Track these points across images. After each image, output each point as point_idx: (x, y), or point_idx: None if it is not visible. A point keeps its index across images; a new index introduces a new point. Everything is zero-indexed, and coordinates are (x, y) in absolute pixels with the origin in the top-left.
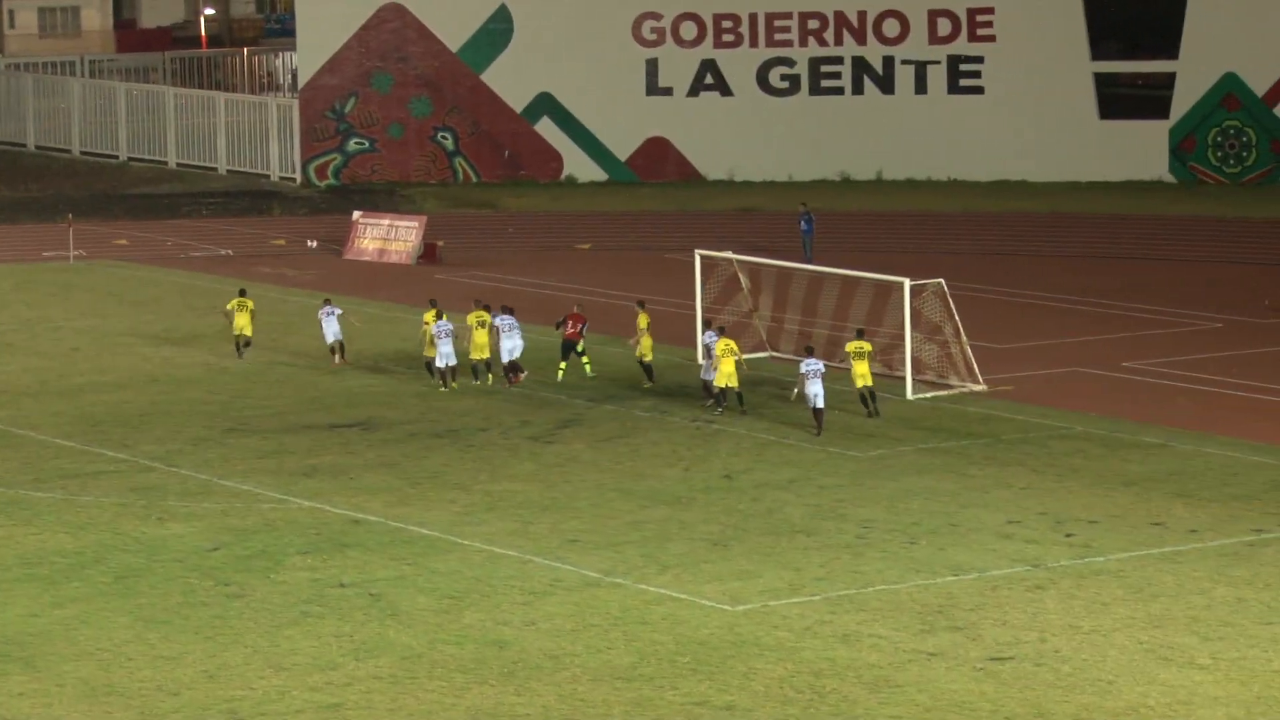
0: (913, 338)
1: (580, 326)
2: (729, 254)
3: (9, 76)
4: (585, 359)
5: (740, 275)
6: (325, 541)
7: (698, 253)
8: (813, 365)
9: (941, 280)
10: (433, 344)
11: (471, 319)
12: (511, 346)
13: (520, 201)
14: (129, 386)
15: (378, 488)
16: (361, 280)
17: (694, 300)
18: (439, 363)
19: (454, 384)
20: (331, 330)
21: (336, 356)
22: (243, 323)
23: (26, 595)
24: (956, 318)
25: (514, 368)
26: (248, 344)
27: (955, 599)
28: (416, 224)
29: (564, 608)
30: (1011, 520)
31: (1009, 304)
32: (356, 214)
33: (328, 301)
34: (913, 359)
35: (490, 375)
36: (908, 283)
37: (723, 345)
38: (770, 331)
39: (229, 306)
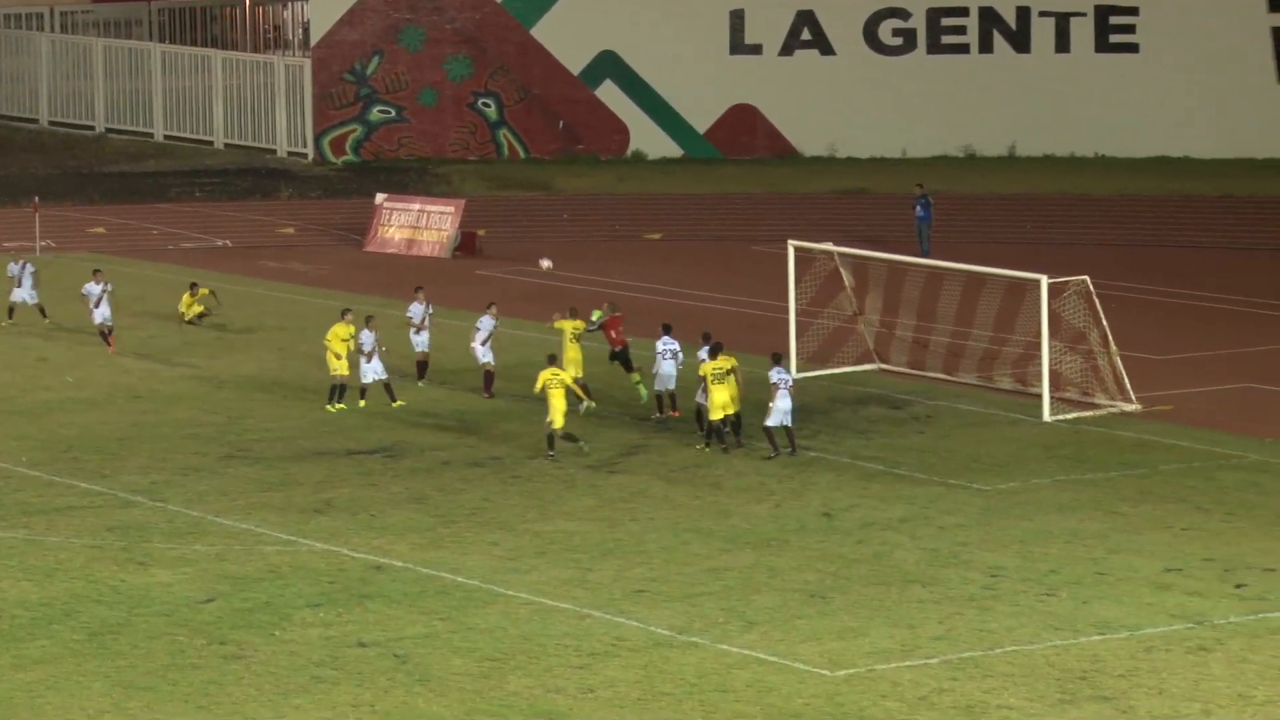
0: (1051, 347)
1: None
2: (829, 246)
3: None
4: (636, 377)
5: (842, 271)
6: (341, 592)
7: (791, 244)
8: (782, 376)
9: (1086, 278)
10: (339, 358)
11: (709, 369)
12: (668, 374)
13: (578, 182)
14: (106, 404)
15: (404, 527)
16: (386, 276)
17: (786, 301)
18: (365, 378)
19: (362, 402)
20: (101, 313)
21: (108, 342)
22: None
23: None
24: (1105, 323)
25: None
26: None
27: (1102, 663)
28: (452, 209)
29: (629, 672)
30: (1170, 568)
31: (1169, 306)
32: (380, 197)
33: (97, 272)
34: (1051, 373)
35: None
36: (1045, 280)
37: (716, 366)
38: (879, 339)
39: (182, 306)
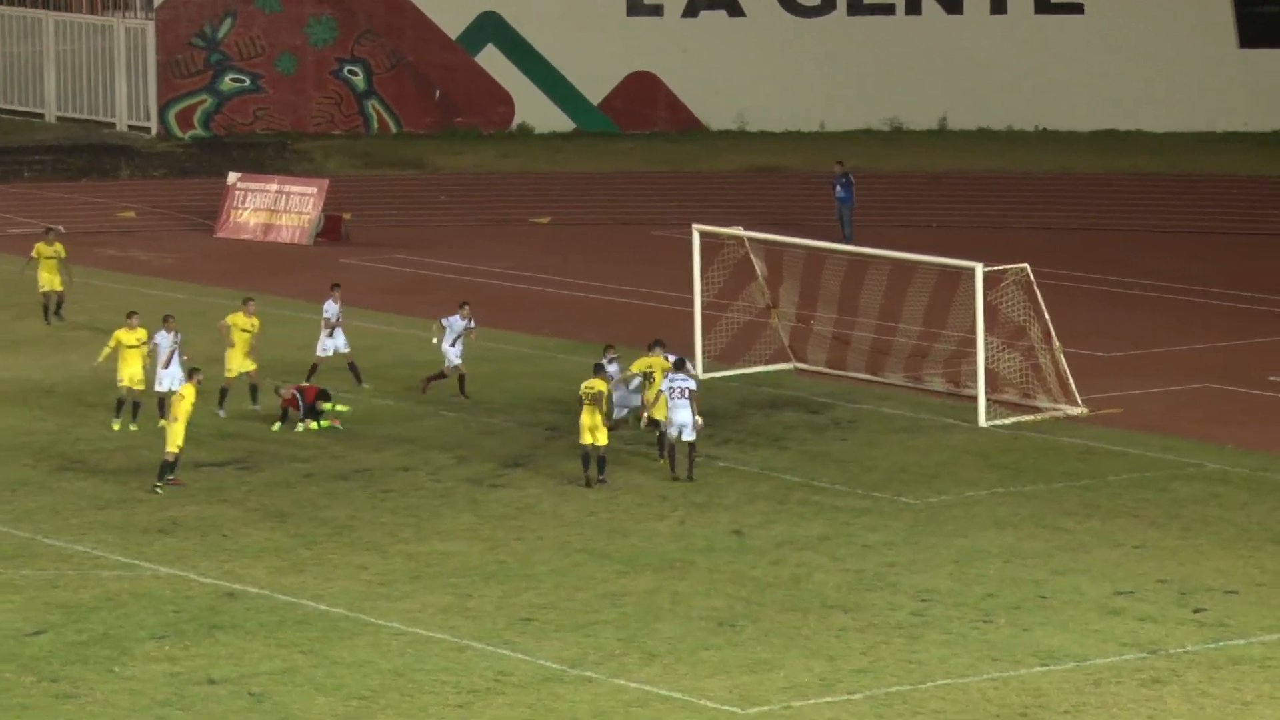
0: (987, 344)
1: (298, 397)
2: (738, 230)
3: None
4: (327, 421)
5: (754, 259)
6: (189, 622)
7: (696, 228)
8: (680, 383)
9: (1026, 266)
10: (125, 363)
11: (640, 366)
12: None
13: (457, 159)
14: None
15: (261, 548)
16: (239, 266)
17: (690, 293)
18: (160, 386)
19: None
20: None
21: None
22: (50, 278)
23: None
24: (1047, 316)
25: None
26: (60, 304)
27: (1045, 697)
28: (314, 190)
29: (514, 711)
30: (1121, 591)
31: (1119, 297)
32: (233, 177)
33: None
34: (987, 372)
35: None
36: (980, 268)
37: (588, 385)
38: (795, 336)
39: (34, 254)
